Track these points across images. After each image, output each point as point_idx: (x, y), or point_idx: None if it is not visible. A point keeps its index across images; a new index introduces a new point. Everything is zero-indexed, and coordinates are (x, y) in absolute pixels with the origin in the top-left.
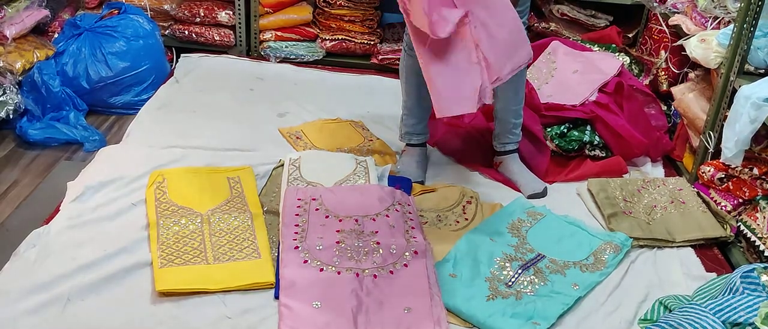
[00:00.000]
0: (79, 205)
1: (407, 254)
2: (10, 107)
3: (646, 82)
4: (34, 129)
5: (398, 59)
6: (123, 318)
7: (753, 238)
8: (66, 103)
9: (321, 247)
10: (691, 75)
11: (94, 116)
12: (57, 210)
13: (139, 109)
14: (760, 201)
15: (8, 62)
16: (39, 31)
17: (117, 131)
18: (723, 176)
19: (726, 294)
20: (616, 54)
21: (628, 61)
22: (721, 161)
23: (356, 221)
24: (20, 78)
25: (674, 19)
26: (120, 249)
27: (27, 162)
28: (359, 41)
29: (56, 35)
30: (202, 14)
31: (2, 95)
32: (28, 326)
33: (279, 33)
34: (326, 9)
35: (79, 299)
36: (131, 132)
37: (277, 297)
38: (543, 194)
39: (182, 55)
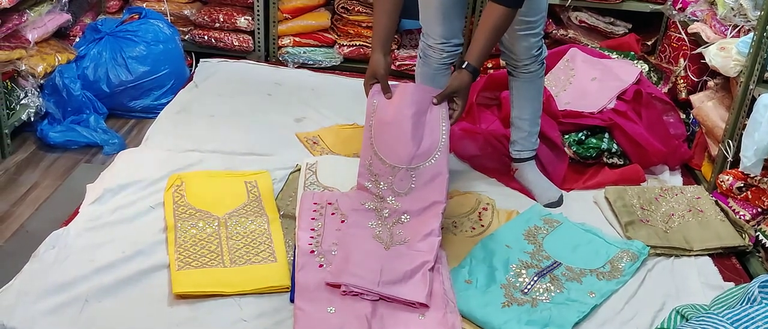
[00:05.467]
0: (98, 207)
1: None
2: (31, 110)
3: (665, 90)
4: (55, 132)
5: (415, 65)
6: (140, 320)
7: None
8: (86, 106)
9: (336, 252)
10: (711, 83)
11: (114, 119)
12: (76, 212)
13: (159, 113)
14: None
15: (30, 66)
16: (61, 35)
17: (136, 134)
18: (742, 185)
19: (744, 304)
20: (635, 62)
21: (647, 69)
22: (740, 170)
23: None
24: (42, 81)
25: (693, 27)
26: (138, 251)
27: (47, 165)
28: None
29: (77, 39)
30: (222, 20)
31: (24, 98)
32: (46, 326)
33: (297, 39)
34: (344, 15)
35: (97, 300)
36: (150, 136)
37: (292, 300)
38: (558, 203)
39: (201, 60)
